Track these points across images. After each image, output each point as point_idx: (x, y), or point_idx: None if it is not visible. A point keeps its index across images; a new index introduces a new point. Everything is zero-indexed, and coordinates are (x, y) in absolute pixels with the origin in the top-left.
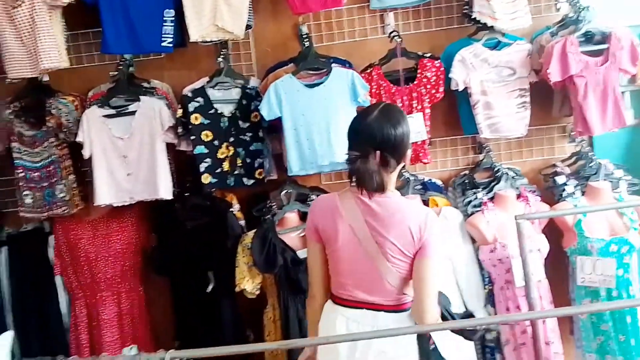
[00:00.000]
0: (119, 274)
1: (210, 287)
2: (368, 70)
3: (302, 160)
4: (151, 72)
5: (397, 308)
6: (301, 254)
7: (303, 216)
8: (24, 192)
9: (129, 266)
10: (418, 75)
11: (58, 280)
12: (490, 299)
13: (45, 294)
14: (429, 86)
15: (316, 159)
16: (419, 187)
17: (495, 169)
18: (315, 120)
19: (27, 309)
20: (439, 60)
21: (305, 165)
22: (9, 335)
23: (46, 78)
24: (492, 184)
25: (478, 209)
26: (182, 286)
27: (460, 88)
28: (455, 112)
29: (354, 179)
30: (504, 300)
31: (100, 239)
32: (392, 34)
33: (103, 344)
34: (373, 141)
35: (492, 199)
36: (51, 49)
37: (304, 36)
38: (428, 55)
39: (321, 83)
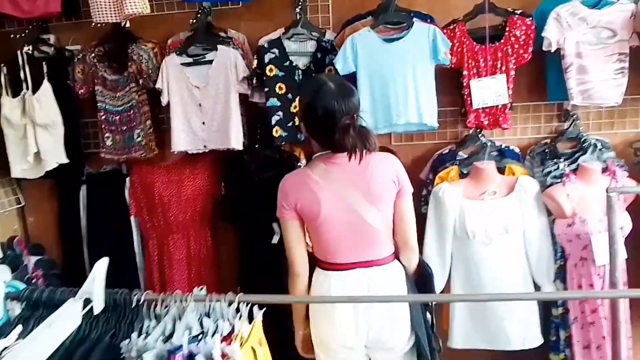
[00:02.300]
0: (189, 218)
1: (276, 239)
2: (451, 27)
3: (374, 118)
4: (228, 21)
5: (387, 261)
6: None
7: None
8: (105, 135)
9: (199, 212)
10: (506, 34)
11: (132, 220)
12: (560, 275)
13: (120, 233)
14: (516, 46)
15: (390, 118)
16: (495, 153)
17: (582, 139)
18: (392, 77)
19: (102, 246)
20: (531, 18)
21: (378, 123)
22: (105, 262)
23: (128, 24)
24: (577, 154)
25: (558, 180)
26: (248, 236)
27: (553, 49)
28: (539, 76)
29: (342, 146)
30: (576, 277)
31: (173, 183)
32: None
33: (173, 282)
34: (349, 110)
35: (574, 170)
36: None
37: None
38: (519, 11)
39: (400, 38)
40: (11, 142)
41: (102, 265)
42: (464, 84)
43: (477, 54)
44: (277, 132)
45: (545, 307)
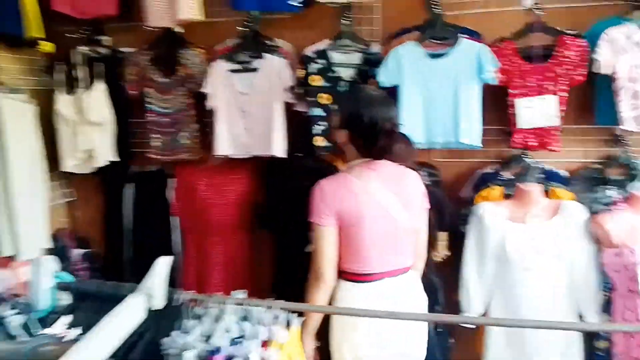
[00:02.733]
0: (228, 222)
1: (310, 247)
2: (499, 44)
3: (413, 132)
4: (275, 30)
5: (409, 269)
6: None
7: None
8: (153, 135)
9: (237, 216)
10: (555, 54)
11: (174, 220)
12: (605, 306)
13: (161, 232)
14: (569, 67)
15: (429, 133)
16: (541, 175)
17: (633, 166)
18: (435, 93)
19: (143, 243)
20: (584, 39)
21: (417, 137)
22: (167, 260)
23: (179, 29)
24: (626, 182)
25: (607, 207)
26: (284, 242)
27: (604, 72)
28: (588, 99)
29: (386, 151)
30: (623, 310)
31: (214, 186)
32: (532, 6)
33: (209, 284)
34: (391, 118)
35: (625, 198)
36: (189, 1)
37: (434, 3)
38: (571, 32)
39: (446, 54)
40: (64, 138)
41: (163, 263)
42: (511, 103)
43: (526, 73)
44: (318, 141)
45: (589, 339)
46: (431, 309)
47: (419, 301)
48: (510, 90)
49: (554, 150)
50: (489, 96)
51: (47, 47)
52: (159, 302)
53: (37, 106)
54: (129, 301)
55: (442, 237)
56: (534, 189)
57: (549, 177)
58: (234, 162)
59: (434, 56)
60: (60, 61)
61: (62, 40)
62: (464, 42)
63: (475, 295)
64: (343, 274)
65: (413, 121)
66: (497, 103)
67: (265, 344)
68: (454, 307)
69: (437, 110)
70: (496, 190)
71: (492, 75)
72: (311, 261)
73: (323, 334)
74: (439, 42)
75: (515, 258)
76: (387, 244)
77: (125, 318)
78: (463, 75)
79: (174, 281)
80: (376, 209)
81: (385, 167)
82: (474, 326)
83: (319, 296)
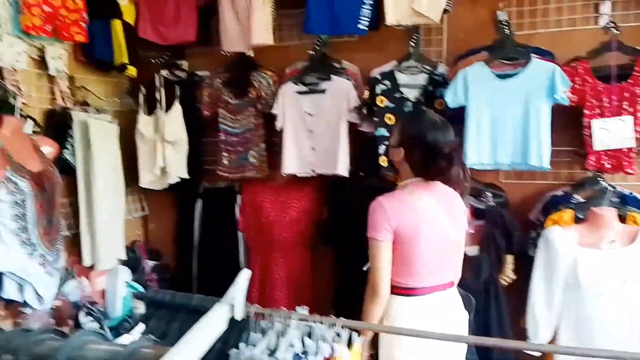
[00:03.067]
0: (292, 239)
1: (367, 266)
2: (573, 64)
3: (479, 154)
4: (342, 53)
5: (454, 284)
6: (469, 250)
7: (475, 211)
8: (223, 154)
9: (301, 233)
10: (635, 73)
11: (240, 236)
12: None
13: (228, 246)
14: None
15: (497, 154)
16: (616, 199)
17: None
18: (503, 114)
19: (211, 257)
20: None
21: (482, 159)
22: (248, 273)
23: (251, 53)
24: None
25: None
26: (345, 260)
27: None
28: None
29: (445, 174)
30: None
31: (279, 204)
32: (607, 25)
33: (272, 299)
34: (449, 142)
35: None
36: (262, 27)
37: (503, 23)
38: None
39: (515, 74)
40: (142, 155)
41: (245, 275)
42: (585, 124)
43: (601, 93)
44: (384, 161)
45: None
46: None
47: (463, 316)
48: (585, 111)
49: (629, 173)
50: (558, 117)
51: (131, 71)
52: (240, 314)
53: (119, 126)
54: (215, 311)
55: (509, 260)
56: (609, 213)
57: (626, 202)
58: (298, 181)
59: (503, 77)
60: (142, 84)
61: (146, 64)
62: (535, 62)
63: (543, 321)
64: (394, 289)
65: (480, 142)
66: (567, 124)
67: None
68: (520, 333)
69: (505, 131)
70: (567, 214)
71: (564, 96)
72: (368, 276)
73: (376, 342)
74: (508, 62)
75: (587, 283)
76: (438, 259)
77: (212, 327)
78: (533, 96)
79: None
80: (431, 225)
81: (437, 187)
82: (539, 354)
83: (376, 310)
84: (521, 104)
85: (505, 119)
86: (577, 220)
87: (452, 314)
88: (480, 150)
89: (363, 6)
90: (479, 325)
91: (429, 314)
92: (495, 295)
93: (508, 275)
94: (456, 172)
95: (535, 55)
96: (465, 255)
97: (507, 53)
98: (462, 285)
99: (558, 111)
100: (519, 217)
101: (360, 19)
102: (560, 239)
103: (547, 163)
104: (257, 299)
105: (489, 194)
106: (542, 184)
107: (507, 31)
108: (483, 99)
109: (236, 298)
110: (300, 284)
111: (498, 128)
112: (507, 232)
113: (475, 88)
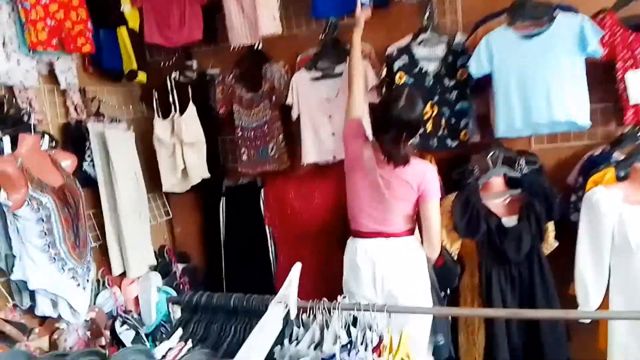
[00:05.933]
0: (319, 228)
1: None
2: (599, 17)
3: (510, 121)
4: None
5: (404, 234)
6: (506, 221)
7: (509, 181)
8: (242, 150)
9: (328, 222)
10: None
11: (267, 230)
12: None
13: (256, 242)
14: None
15: (530, 119)
16: None
17: None
18: (533, 75)
19: (239, 254)
20: None
21: (514, 126)
22: (299, 268)
23: (261, 45)
24: None
25: None
26: None
27: None
28: None
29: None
30: None
31: (303, 195)
32: None
33: (303, 291)
34: (402, 127)
35: None
36: (269, 17)
37: None
38: None
39: (542, 32)
40: (162, 159)
41: (296, 271)
42: (618, 78)
43: (633, 44)
44: None
45: None
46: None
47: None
48: (617, 64)
49: None
50: (588, 73)
51: (141, 77)
52: (294, 311)
53: (135, 132)
54: (273, 311)
55: (551, 227)
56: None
57: None
58: (322, 169)
59: (528, 37)
60: (154, 89)
61: (156, 69)
62: (561, 17)
63: (593, 287)
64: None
65: (510, 107)
66: (599, 79)
67: (376, 349)
68: (569, 302)
69: (538, 92)
70: (609, 173)
71: (597, 47)
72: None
73: None
74: (532, 22)
75: (638, 244)
76: (374, 212)
77: (271, 328)
78: (564, 52)
79: (272, 289)
80: (368, 176)
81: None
82: (588, 321)
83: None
84: (553, 62)
85: (536, 80)
86: (619, 179)
87: (385, 261)
88: (512, 116)
89: None
90: (524, 299)
91: (362, 256)
92: (540, 265)
93: (550, 243)
94: (392, 157)
95: (560, 11)
96: (502, 226)
97: (529, 12)
98: (502, 256)
99: (587, 67)
100: (555, 182)
101: None
102: (605, 199)
103: (587, 120)
104: None
105: (522, 162)
106: (578, 145)
107: None
108: (510, 63)
109: (290, 296)
110: (330, 274)
111: (529, 91)
112: (546, 199)
113: (501, 53)
